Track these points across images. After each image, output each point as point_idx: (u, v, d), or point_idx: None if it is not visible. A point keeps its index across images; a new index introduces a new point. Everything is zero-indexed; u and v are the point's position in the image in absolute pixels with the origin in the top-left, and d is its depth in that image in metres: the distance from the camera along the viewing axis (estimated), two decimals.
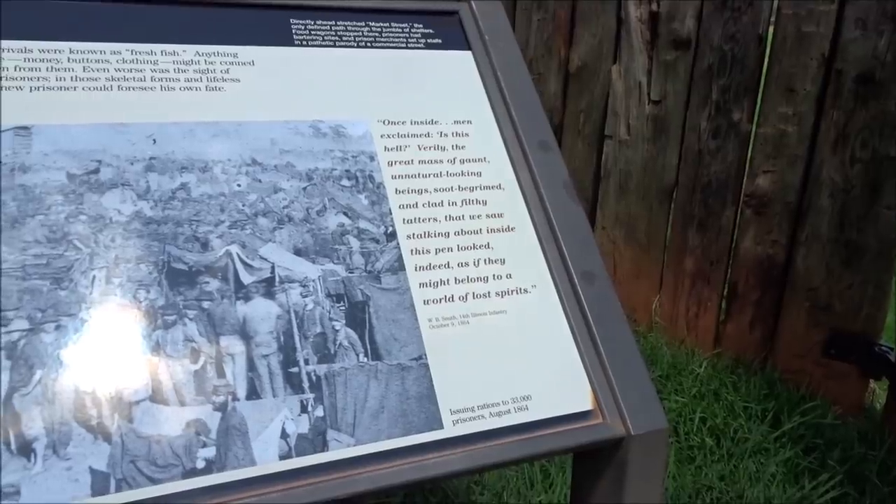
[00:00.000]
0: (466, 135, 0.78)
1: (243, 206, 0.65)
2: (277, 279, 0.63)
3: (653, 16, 1.91)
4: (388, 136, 0.74)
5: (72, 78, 0.66)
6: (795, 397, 1.68)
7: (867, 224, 1.60)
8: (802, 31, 1.62)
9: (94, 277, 0.57)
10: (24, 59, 0.65)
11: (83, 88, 0.65)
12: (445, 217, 0.72)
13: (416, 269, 0.68)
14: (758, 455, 1.51)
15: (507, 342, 0.67)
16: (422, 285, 0.67)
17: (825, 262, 1.67)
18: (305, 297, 0.63)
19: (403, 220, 0.70)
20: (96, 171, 0.62)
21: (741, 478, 1.44)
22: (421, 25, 0.84)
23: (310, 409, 0.58)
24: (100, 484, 0.51)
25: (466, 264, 0.70)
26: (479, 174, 0.76)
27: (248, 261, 0.63)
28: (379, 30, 0.81)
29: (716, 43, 1.78)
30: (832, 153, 1.62)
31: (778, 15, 1.67)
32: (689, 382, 1.73)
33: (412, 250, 0.69)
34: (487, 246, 0.72)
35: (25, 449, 0.50)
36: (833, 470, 1.45)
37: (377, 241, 0.68)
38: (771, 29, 1.72)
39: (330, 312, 0.63)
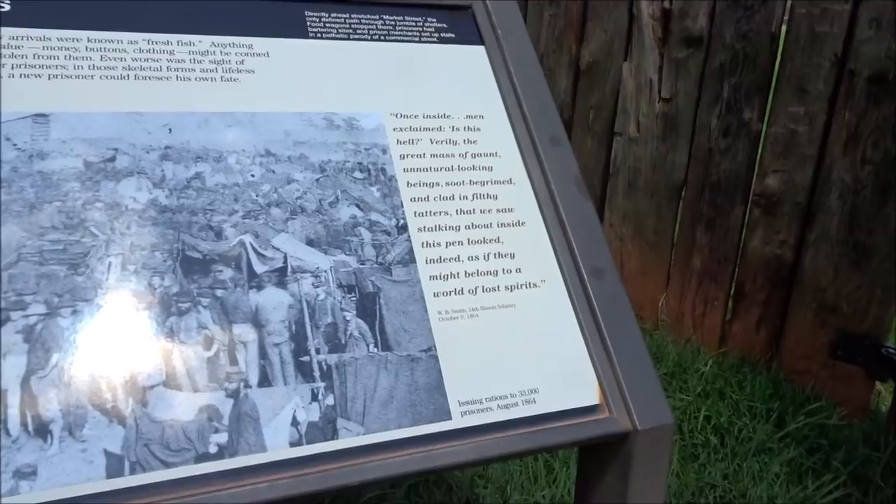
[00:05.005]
0: (478, 129, 0.78)
1: (257, 196, 0.66)
2: (290, 269, 0.63)
3: (665, 13, 1.91)
4: (401, 130, 0.75)
5: (89, 66, 0.66)
6: (800, 398, 1.68)
7: (876, 225, 1.59)
8: (816, 31, 1.62)
9: (109, 264, 0.58)
10: (43, 48, 0.65)
11: (100, 77, 0.66)
12: (456, 211, 0.72)
13: (426, 262, 0.68)
14: (762, 454, 1.51)
15: (516, 336, 0.68)
16: (432, 278, 0.68)
17: (833, 263, 1.66)
18: (317, 287, 0.63)
19: (415, 212, 0.70)
20: (113, 158, 0.63)
21: (744, 477, 1.44)
22: (434, 20, 0.84)
23: (320, 397, 0.59)
24: (114, 466, 0.51)
25: (476, 258, 0.71)
26: (491, 168, 0.76)
27: (261, 250, 0.63)
28: (393, 23, 0.82)
29: (728, 41, 1.78)
30: (843, 154, 1.62)
31: (791, 14, 1.66)
32: (694, 381, 1.73)
33: (423, 243, 0.69)
34: (497, 240, 0.72)
35: (42, 430, 0.51)
36: (837, 471, 1.45)
37: (388, 234, 0.68)
38: (784, 28, 1.71)
39: (341, 303, 0.63)
